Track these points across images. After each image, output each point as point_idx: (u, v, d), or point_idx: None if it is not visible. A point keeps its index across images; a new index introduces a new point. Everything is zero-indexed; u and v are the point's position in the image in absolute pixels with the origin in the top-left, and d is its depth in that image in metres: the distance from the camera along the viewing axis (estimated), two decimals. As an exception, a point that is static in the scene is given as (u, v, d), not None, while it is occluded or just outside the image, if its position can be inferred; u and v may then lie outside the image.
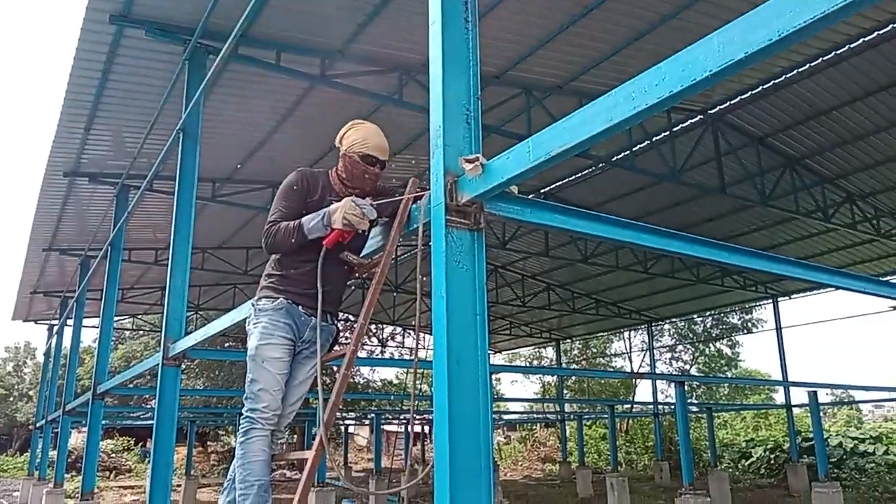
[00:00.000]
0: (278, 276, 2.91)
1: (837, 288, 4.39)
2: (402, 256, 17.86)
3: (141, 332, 30.06)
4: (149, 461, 27.89)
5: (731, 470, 20.61)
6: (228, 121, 9.98)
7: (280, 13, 7.41)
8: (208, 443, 32.60)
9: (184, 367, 6.02)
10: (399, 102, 9.05)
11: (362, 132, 2.97)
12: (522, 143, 2.32)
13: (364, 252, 3.02)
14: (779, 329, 20.31)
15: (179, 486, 17.43)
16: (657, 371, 26.42)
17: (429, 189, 2.68)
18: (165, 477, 5.58)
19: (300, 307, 2.86)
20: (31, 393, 34.70)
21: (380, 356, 28.81)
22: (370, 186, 2.96)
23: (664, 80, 1.84)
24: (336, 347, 3.03)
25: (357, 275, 3.06)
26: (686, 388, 10.59)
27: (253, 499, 2.64)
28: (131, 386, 20.14)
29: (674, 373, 28.20)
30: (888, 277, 17.14)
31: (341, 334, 3.13)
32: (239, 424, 2.80)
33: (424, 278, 2.83)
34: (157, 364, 5.94)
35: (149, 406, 26.79)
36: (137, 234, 14.55)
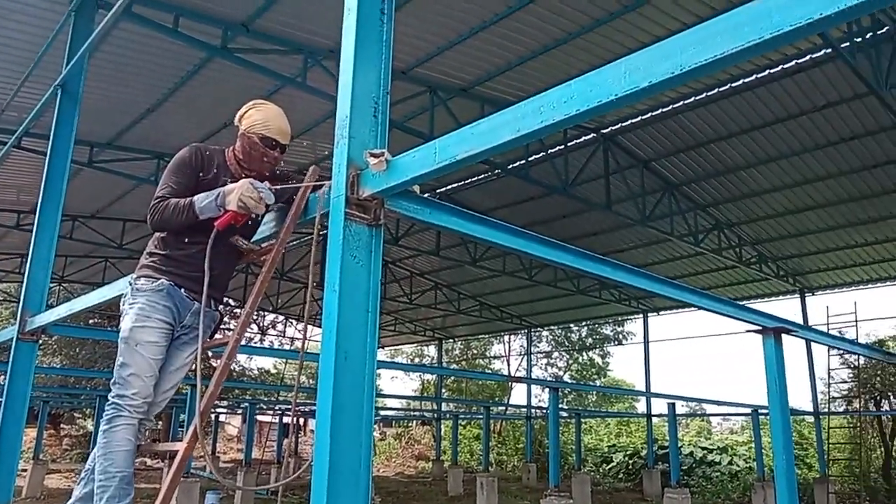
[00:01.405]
0: (161, 256, 2.74)
1: (701, 308, 4.72)
2: (291, 244, 17.44)
3: (-7, 301, 27.54)
4: (-10, 442, 25.67)
5: (592, 473, 21.69)
6: (114, 82, 9.35)
7: (183, -23, 7.03)
8: (62, 425, 30.38)
9: (41, 342, 5.56)
10: (302, 86, 8.83)
11: (264, 113, 2.86)
12: (429, 144, 2.32)
13: (255, 238, 2.91)
14: (646, 342, 21.57)
15: (25, 470, 16.12)
16: (533, 376, 27.34)
17: (329, 179, 2.63)
18: (11, 462, 5.13)
19: (182, 290, 2.71)
20: None
21: (259, 344, 27.94)
22: (268, 170, 2.85)
23: (572, 98, 1.90)
24: (218, 335, 2.90)
25: (245, 260, 2.95)
26: (559, 394, 11.03)
27: (113, 491, 2.47)
28: (-23, 359, 18.40)
29: (549, 378, 29.28)
30: (745, 302, 18.63)
31: (223, 321, 3.00)
32: (104, 410, 2.61)
33: (314, 269, 2.77)
34: (11, 338, 5.46)
35: (-5, 382, 24.64)
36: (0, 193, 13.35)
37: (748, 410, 15.91)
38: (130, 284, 2.76)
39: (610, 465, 23.56)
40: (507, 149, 2.14)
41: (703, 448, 21.51)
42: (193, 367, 2.80)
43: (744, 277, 18.33)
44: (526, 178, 12.37)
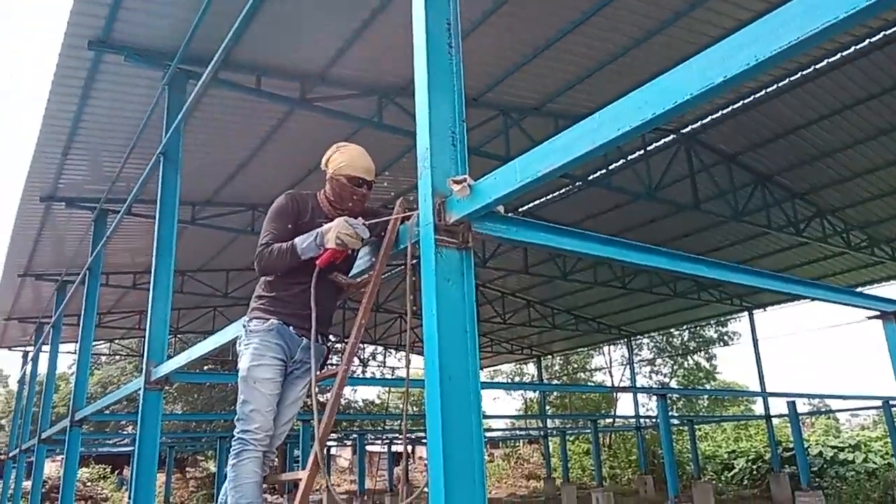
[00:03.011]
0: (269, 298, 2.93)
1: (810, 298, 4.52)
2: (384, 277, 17.85)
3: (117, 357, 29.58)
4: (126, 489, 27.29)
5: (714, 481, 20.73)
6: (208, 144, 9.98)
7: (260, 38, 7.47)
8: (186, 469, 32.01)
9: (164, 390, 5.96)
10: (378, 125, 9.13)
11: (348, 154, 3.02)
12: (509, 163, 2.39)
13: (352, 273, 3.06)
14: (755, 341, 20.58)
15: (158, 514, 17.10)
16: (638, 385, 26.57)
17: (416, 210, 2.74)
18: (148, 502, 5.50)
19: (291, 328, 2.89)
20: (2, 422, 33.86)
21: (361, 375, 28.60)
22: (358, 208, 3.00)
23: (647, 104, 1.92)
24: (327, 367, 3.06)
25: (345, 295, 3.10)
26: (667, 401, 10.69)
27: (246, 520, 2.65)
28: (108, 412, 19.76)
29: (654, 386, 28.37)
30: (859, 288, 17.50)
31: (330, 355, 3.16)
32: (230, 446, 2.80)
33: (411, 297, 2.88)
34: (139, 388, 5.89)
35: (125, 432, 26.33)
36: (115, 258, 14.40)
37: (878, 403, 14.83)
38: (244, 327, 2.95)
39: (732, 472, 22.44)
40: (585, 160, 2.18)
41: (833, 447, 20.14)
42: (307, 400, 2.96)
43: (855, 263, 17.25)
44: (608, 186, 12.21)
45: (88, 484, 27.70)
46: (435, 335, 2.39)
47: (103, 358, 30.89)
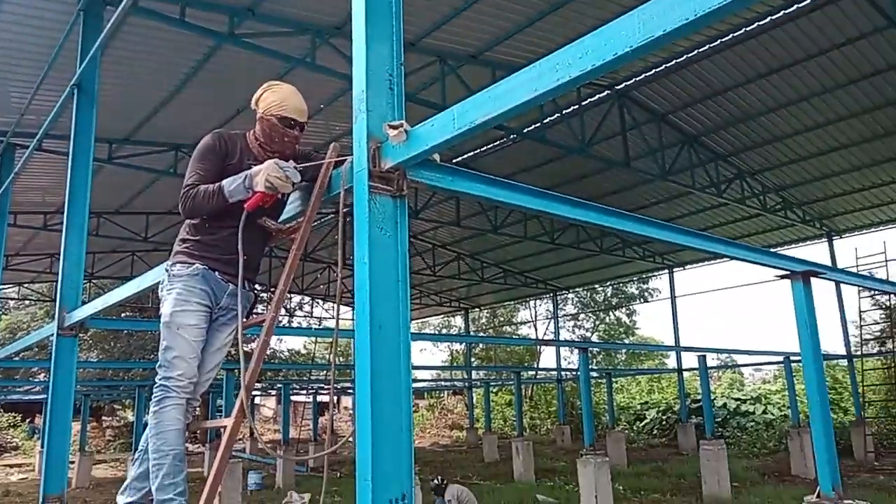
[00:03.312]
0: (194, 242, 2.81)
1: (728, 257, 4.72)
2: (313, 225, 17.58)
3: (27, 302, 28.21)
4: (37, 438, 26.42)
5: (627, 431, 21.84)
6: (127, 77, 9.42)
7: (185, -35, 7.02)
8: (103, 417, 31.20)
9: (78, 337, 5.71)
10: (311, 66, 8.83)
11: (279, 94, 2.89)
12: (447, 111, 2.33)
13: (282, 218, 2.96)
14: (673, 298, 21.51)
15: (73, 462, 16.65)
16: (561, 339, 27.43)
17: (350, 155, 2.66)
18: (62, 454, 5.31)
19: (217, 273, 2.78)
20: None
21: (288, 325, 28.35)
22: (290, 150, 2.89)
23: (587, 54, 1.89)
24: (253, 315, 2.97)
25: (274, 241, 3.01)
26: (588, 354, 11.09)
27: (168, 468, 2.57)
28: (17, 359, 18.90)
29: (576, 340, 29.37)
30: (772, 249, 18.46)
31: (256, 302, 3.07)
32: (152, 393, 2.71)
33: (335, 246, 2.82)
34: (51, 335, 5.62)
35: (36, 380, 25.33)
36: (24, 196, 13.58)
37: (780, 358, 15.85)
38: (167, 271, 2.83)
39: (644, 423, 23.71)
40: (525, 109, 2.15)
41: (737, 399, 21.54)
42: (232, 347, 2.88)
43: (769, 225, 18.14)
44: (542, 140, 12.30)
45: (-3, 432, 26.69)
46: (367, 284, 2.36)
47: (11, 303, 29.41)
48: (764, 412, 20.39)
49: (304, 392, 26.52)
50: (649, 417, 23.58)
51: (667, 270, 22.15)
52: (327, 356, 36.26)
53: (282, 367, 27.68)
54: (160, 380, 2.67)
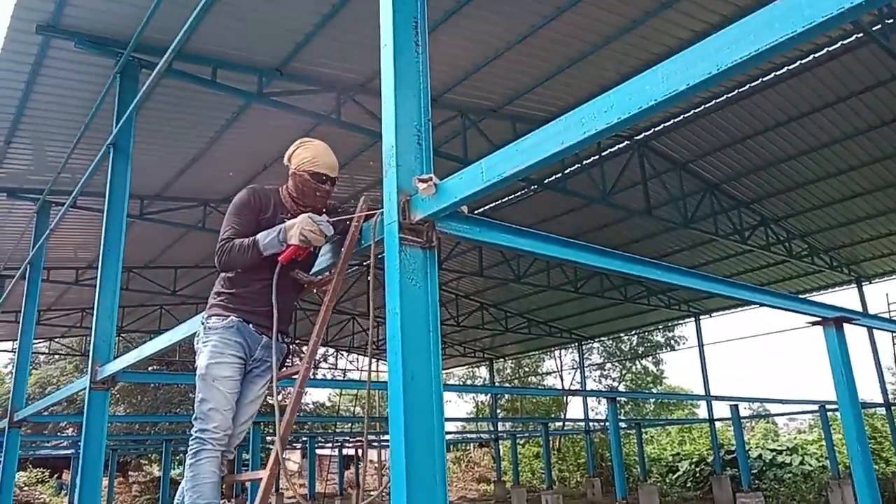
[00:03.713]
0: (228, 294, 2.88)
1: (757, 304, 4.67)
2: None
3: (56, 357, 28.53)
4: (65, 493, 26.25)
5: (659, 484, 21.21)
6: (159, 136, 9.73)
7: (218, 29, 7.33)
8: (129, 472, 31.08)
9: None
10: (337, 122, 9.06)
11: (311, 150, 2.99)
12: (475, 164, 2.40)
13: (313, 270, 3.03)
14: (700, 346, 21.14)
15: (98, 518, 16.55)
16: (588, 388, 26.97)
17: (378, 208, 2.73)
18: (93, 506, 5.32)
19: (251, 325, 2.84)
20: (-69, 423, 32.25)
21: (313, 377, 28.29)
22: (321, 204, 2.97)
23: (612, 108, 1.96)
24: (286, 366, 3.01)
25: (306, 293, 3.06)
26: (617, 404, 10.90)
27: (203, 521, 2.59)
28: (46, 413, 19.07)
29: (604, 390, 28.87)
30: (802, 296, 18.16)
31: (290, 354, 3.12)
32: (189, 446, 2.74)
33: (360, 297, 2.87)
34: (84, 388, 5.69)
35: (64, 435, 25.41)
36: (57, 252, 13.91)
37: (815, 407, 15.42)
38: (202, 324, 2.89)
39: (676, 475, 23.01)
40: (551, 162, 2.21)
41: (772, 450, 20.86)
42: (266, 398, 2.91)
43: (796, 272, 17.90)
44: (563, 190, 12.38)
45: (25, 488, 26.64)
46: (398, 334, 2.39)
47: (41, 357, 29.75)
48: (801, 463, 19.71)
49: (330, 445, 26.24)
50: (682, 469, 22.89)
51: (693, 318, 21.85)
52: (352, 409, 35.98)
53: (307, 420, 27.47)
54: (196, 432, 2.70)
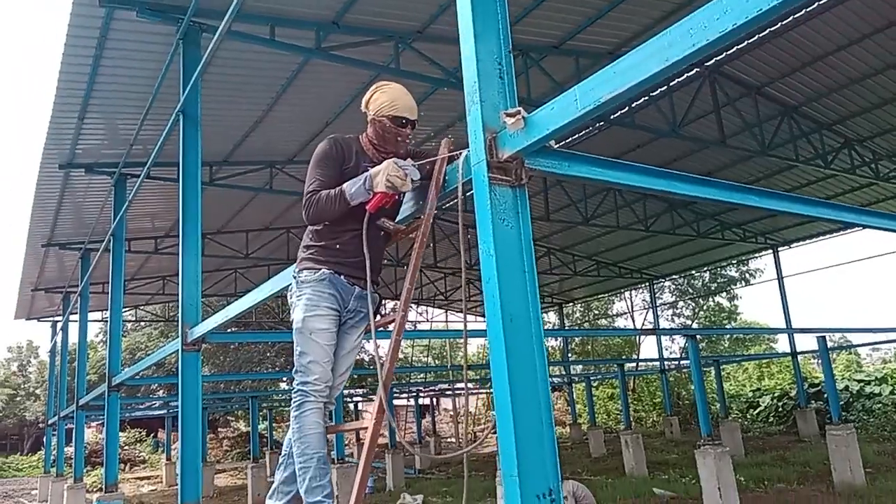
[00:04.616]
0: (318, 247, 2.85)
1: (865, 227, 4.37)
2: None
3: (142, 323, 30.02)
4: (162, 451, 27.93)
5: (740, 420, 20.89)
6: (223, 101, 9.82)
7: (272, -14, 7.25)
8: (219, 429, 32.81)
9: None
10: (396, 71, 8.88)
11: (389, 94, 2.89)
12: (567, 91, 2.26)
13: (399, 218, 2.97)
14: (780, 278, 20.39)
15: (196, 472, 17.54)
16: (657, 328, 26.57)
17: (462, 149, 2.63)
18: (195, 464, 5.58)
19: (342, 276, 2.81)
20: (38, 392, 34.67)
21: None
22: (403, 149, 2.89)
23: (726, 13, 1.77)
24: (380, 315, 2.99)
25: (394, 241, 3.01)
26: (696, 340, 10.62)
27: (314, 471, 2.62)
28: (139, 377, 20.16)
29: (677, 328, 28.40)
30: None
31: (382, 303, 3.10)
32: (291, 399, 2.77)
33: (463, 237, 2.80)
34: (175, 351, 5.91)
35: (156, 396, 26.89)
36: (135, 223, 14.40)
37: (907, 335, 14.69)
38: (294, 278, 2.88)
39: (758, 410, 22.60)
40: (653, 82, 2.04)
41: (859, 381, 20.16)
42: (363, 348, 2.91)
43: (884, 194, 16.92)
44: (632, 125, 11.94)
45: (126, 448, 28.53)
46: (495, 276, 2.32)
47: (129, 325, 31.41)
48: (892, 393, 19.00)
49: (405, 396, 26.90)
50: (763, 405, 22.44)
51: (770, 250, 21.05)
52: (423, 359, 36.66)
53: (416, 370, 28.15)
54: (298, 385, 2.72)
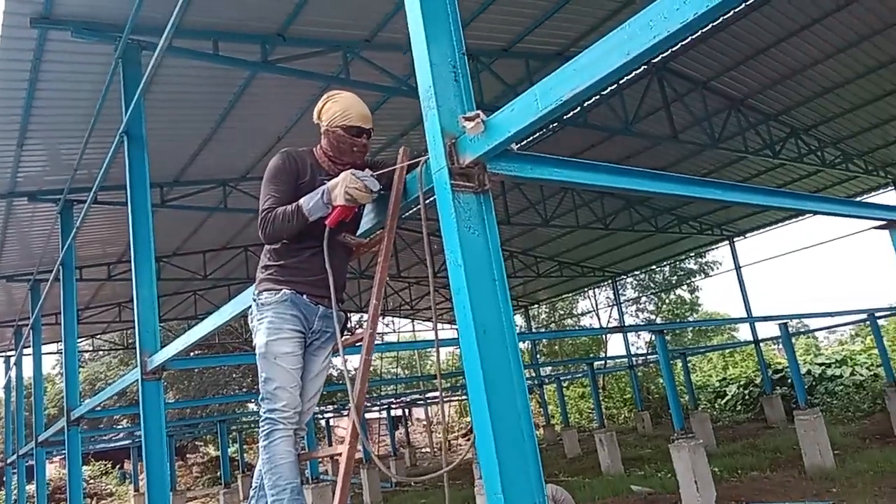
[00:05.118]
0: (277, 267, 2.71)
1: (817, 213, 4.43)
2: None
3: (100, 353, 29.09)
4: (129, 482, 27.03)
5: (709, 410, 21.21)
6: (169, 119, 9.54)
7: (214, 0, 7.05)
8: (187, 455, 31.96)
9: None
10: (346, 81, 8.74)
11: (341, 103, 2.79)
12: (527, 92, 2.20)
13: (359, 232, 2.86)
14: (738, 268, 20.80)
15: (164, 502, 17.02)
16: (626, 324, 26.86)
17: (422, 156, 2.53)
18: (163, 494, 5.35)
19: (305, 296, 2.68)
20: (-8, 430, 33.26)
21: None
22: (360, 160, 2.78)
23: (686, 3, 1.72)
24: (346, 334, 2.87)
25: (356, 256, 2.90)
26: (664, 335, 10.72)
27: (288, 502, 2.48)
28: (99, 408, 19.50)
29: (642, 324, 28.75)
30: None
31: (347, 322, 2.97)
32: (260, 427, 2.63)
33: (428, 248, 2.70)
34: (135, 381, 5.67)
35: (119, 426, 26.06)
36: (85, 250, 13.93)
37: (864, 316, 15.08)
38: (254, 300, 2.74)
39: (725, 399, 22.97)
40: (615, 77, 1.98)
41: (820, 364, 20.66)
42: (330, 371, 2.79)
43: (831, 180, 17.40)
44: (584, 124, 12.02)
45: (91, 481, 27.57)
46: (464, 287, 2.23)
47: (86, 355, 30.40)
48: (852, 374, 19.50)
49: (377, 409, 26.60)
50: (730, 394, 22.82)
51: (727, 242, 21.46)
52: (392, 370, 36.35)
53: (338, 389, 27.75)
54: (265, 413, 2.58)
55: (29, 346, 13.90)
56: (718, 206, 18.53)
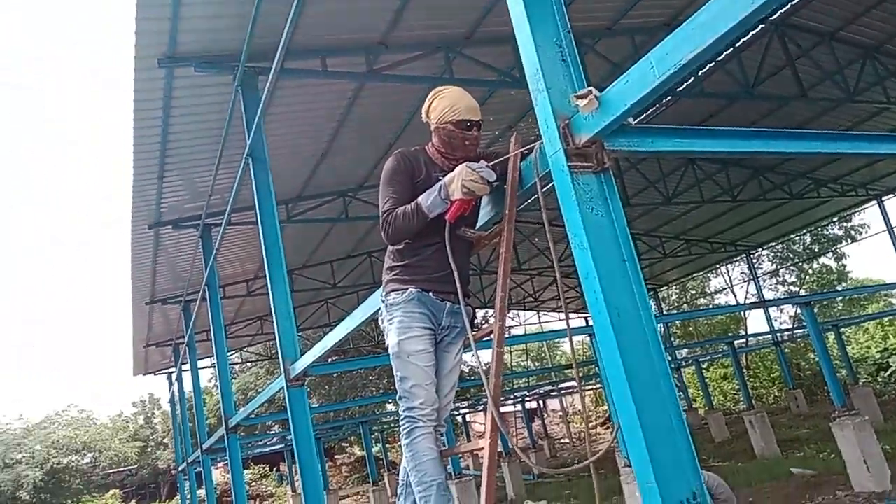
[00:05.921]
0: (401, 267, 2.75)
1: None
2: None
3: (248, 364, 31.10)
4: (286, 483, 28.71)
5: (871, 385, 19.47)
6: (287, 138, 10.01)
7: (317, 19, 7.32)
8: (335, 456, 33.54)
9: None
10: (450, 80, 8.81)
11: (448, 99, 2.78)
12: (641, 60, 2.08)
13: (478, 224, 2.84)
14: (890, 229, 18.97)
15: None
16: (766, 299, 25.22)
17: (535, 142, 2.47)
18: (317, 493, 5.61)
19: (431, 293, 2.70)
20: (165, 440, 36.44)
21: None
22: (472, 152, 2.77)
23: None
24: (475, 329, 2.86)
25: (476, 249, 2.89)
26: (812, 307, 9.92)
27: (435, 499, 2.52)
28: (253, 416, 20.85)
29: (782, 297, 26.90)
30: None
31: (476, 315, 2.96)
32: (400, 426, 2.68)
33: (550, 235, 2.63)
34: (281, 388, 5.98)
35: (272, 432, 27.75)
36: (226, 270, 14.92)
37: None
38: (382, 301, 2.80)
39: (889, 371, 21.01)
40: (739, 32, 1.82)
41: None
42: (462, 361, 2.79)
43: None
44: (701, 94, 11.39)
45: (252, 484, 29.59)
46: (592, 271, 2.14)
47: (236, 367, 32.59)
48: None
49: (511, 402, 26.63)
50: (895, 365, 20.84)
51: (875, 202, 19.61)
52: (521, 363, 36.28)
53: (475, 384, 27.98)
54: (404, 412, 2.63)
55: (186, 363, 15.09)
56: (862, 163, 16.99)
